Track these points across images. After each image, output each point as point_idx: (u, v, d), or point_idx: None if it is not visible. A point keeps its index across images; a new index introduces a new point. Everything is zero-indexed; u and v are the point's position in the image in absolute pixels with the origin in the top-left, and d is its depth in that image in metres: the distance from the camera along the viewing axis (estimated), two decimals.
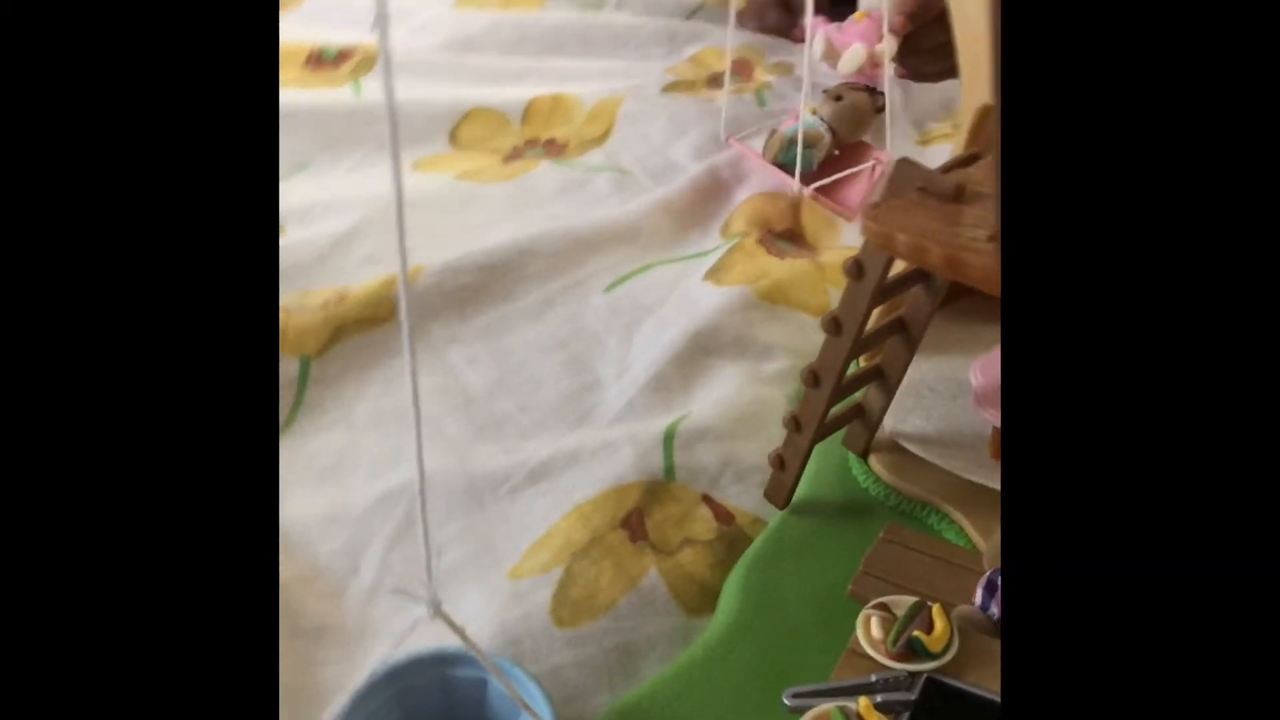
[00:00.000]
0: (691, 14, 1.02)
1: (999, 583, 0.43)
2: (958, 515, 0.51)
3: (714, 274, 0.70)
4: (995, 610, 0.42)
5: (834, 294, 0.67)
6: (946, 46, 0.74)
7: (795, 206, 0.72)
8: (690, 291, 0.68)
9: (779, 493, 0.52)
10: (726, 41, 0.80)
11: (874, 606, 0.41)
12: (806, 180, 0.70)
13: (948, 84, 0.81)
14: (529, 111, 0.88)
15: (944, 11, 0.72)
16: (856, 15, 0.68)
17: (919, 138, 0.84)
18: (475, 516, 0.54)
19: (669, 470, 0.55)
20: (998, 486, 0.51)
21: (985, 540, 0.50)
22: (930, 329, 0.48)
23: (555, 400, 0.61)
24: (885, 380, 0.50)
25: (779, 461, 0.51)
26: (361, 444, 0.59)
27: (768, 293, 0.67)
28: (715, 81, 0.93)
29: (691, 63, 0.95)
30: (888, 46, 0.67)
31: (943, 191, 0.38)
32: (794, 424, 0.49)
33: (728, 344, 0.64)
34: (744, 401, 0.60)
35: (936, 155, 0.82)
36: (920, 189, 0.39)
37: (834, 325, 0.44)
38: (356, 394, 0.62)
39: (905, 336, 0.48)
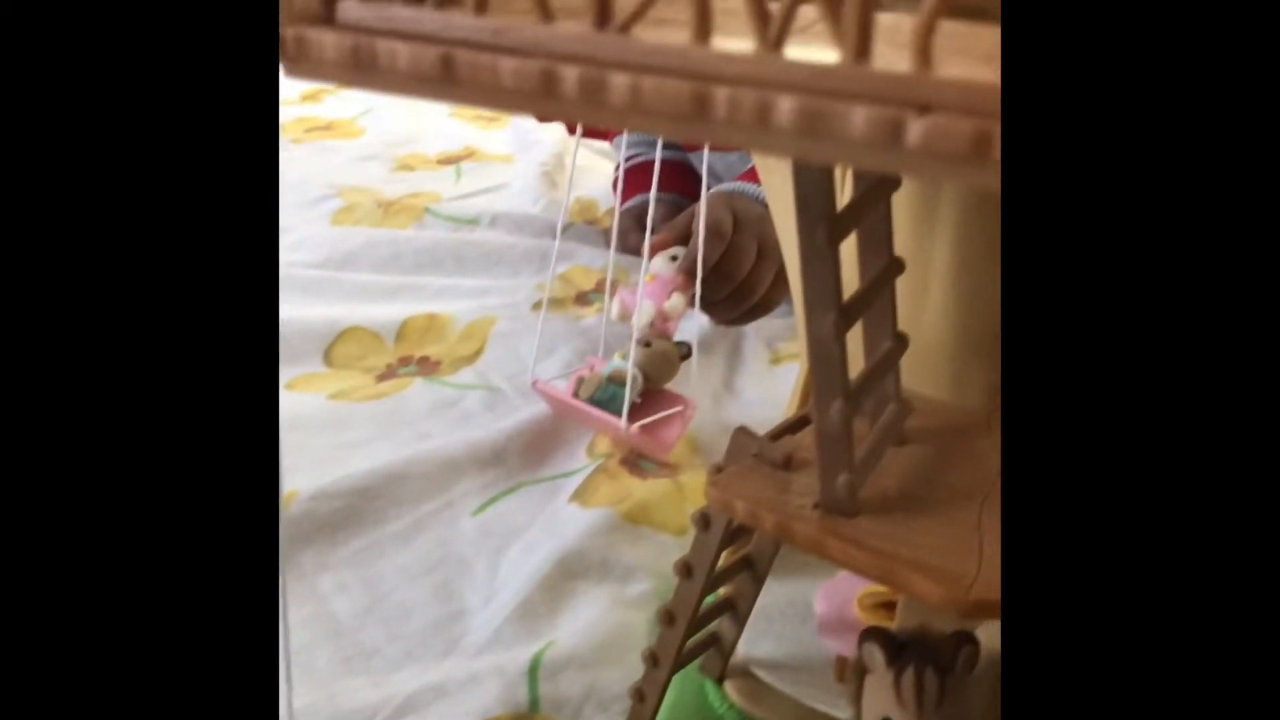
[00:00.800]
0: (562, 232, 1.09)
1: None
2: None
3: (579, 495, 0.73)
4: None
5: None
6: (740, 292, 0.81)
7: None
8: (558, 513, 0.71)
9: None
10: (551, 274, 0.85)
11: None
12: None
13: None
14: (403, 330, 0.92)
15: (722, 265, 0.79)
16: (647, 276, 0.74)
17: (770, 357, 0.91)
18: None
19: (533, 703, 0.57)
20: (843, 715, 0.54)
21: None
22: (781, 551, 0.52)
23: (423, 629, 0.62)
24: (736, 611, 0.54)
25: (639, 695, 0.53)
26: None
27: (630, 514, 0.71)
28: (583, 299, 0.98)
29: (561, 281, 1.00)
30: (676, 304, 0.73)
31: (774, 460, 0.42)
32: (652, 659, 0.52)
33: (593, 567, 0.67)
34: (607, 626, 0.62)
35: (786, 374, 0.88)
36: (755, 455, 0.43)
37: (685, 569, 0.48)
38: None
39: (753, 572, 0.52)
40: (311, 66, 0.29)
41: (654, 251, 0.74)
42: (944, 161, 0.23)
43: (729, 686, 0.57)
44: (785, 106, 0.24)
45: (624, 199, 1.04)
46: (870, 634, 0.44)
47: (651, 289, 0.73)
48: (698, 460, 0.77)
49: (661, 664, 0.52)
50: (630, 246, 0.99)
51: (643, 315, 0.71)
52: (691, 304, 0.72)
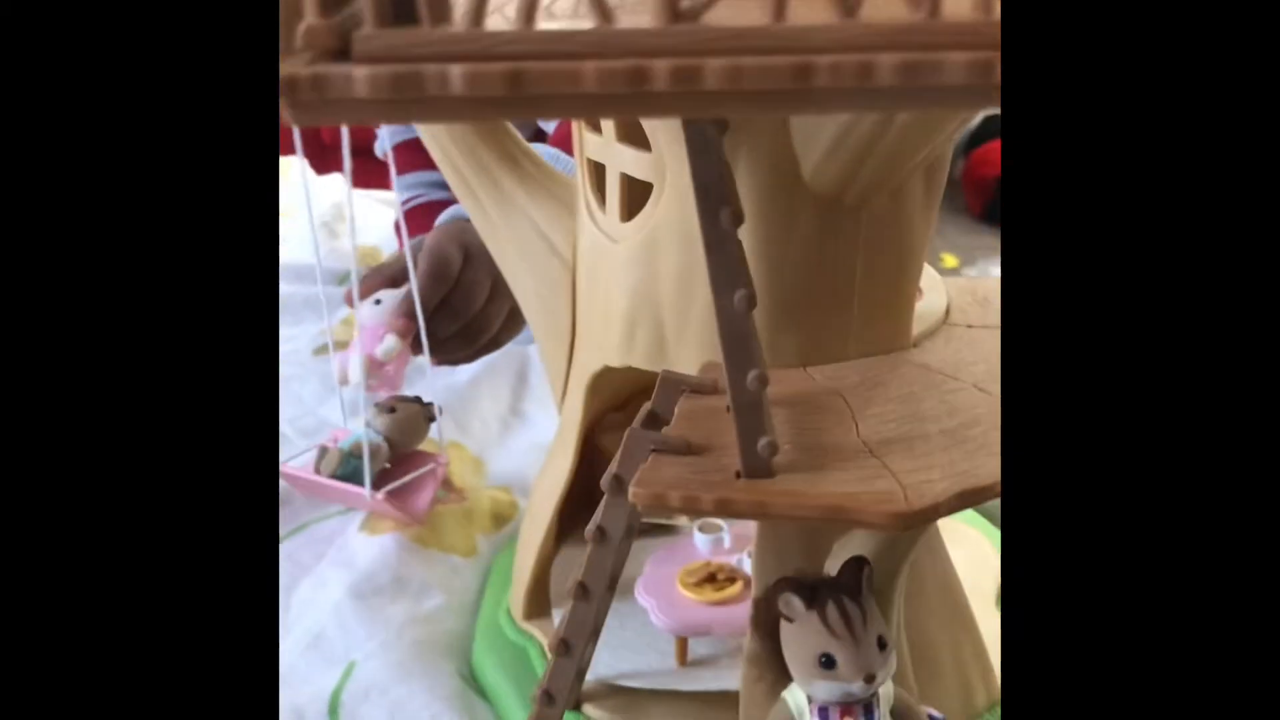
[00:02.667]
0: (341, 281, 1.04)
1: None
2: None
3: (367, 525, 0.72)
4: None
5: (480, 539, 0.72)
6: (470, 329, 0.80)
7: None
8: (347, 544, 0.70)
9: None
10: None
11: None
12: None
13: None
14: None
15: (451, 301, 0.78)
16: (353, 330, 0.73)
17: None
18: None
19: None
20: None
21: None
22: None
23: None
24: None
25: (546, 696, 0.52)
26: None
27: (420, 537, 0.70)
28: None
29: (344, 324, 0.98)
30: (389, 346, 0.71)
31: (676, 448, 0.44)
32: (546, 698, 0.51)
33: (384, 588, 0.66)
34: (405, 645, 0.62)
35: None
36: (654, 451, 0.44)
37: (582, 591, 0.48)
38: None
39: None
40: (336, 108, 0.26)
41: (363, 296, 0.71)
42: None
43: (589, 710, 0.57)
44: (886, 64, 0.26)
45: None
46: (781, 586, 0.47)
47: (362, 338, 0.70)
48: (483, 483, 0.79)
49: (558, 700, 0.51)
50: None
51: (354, 370, 0.68)
52: (415, 347, 0.70)
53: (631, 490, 0.42)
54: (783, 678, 0.49)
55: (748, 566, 0.61)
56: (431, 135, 0.60)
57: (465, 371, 0.90)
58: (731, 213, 0.38)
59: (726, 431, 0.45)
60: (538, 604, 0.65)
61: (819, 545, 0.51)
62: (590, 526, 0.47)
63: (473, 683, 0.63)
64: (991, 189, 1.78)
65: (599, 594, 0.50)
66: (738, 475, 0.42)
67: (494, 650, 0.64)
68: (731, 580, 0.60)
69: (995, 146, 1.88)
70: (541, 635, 0.63)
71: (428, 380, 0.78)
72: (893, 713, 0.48)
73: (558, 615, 0.63)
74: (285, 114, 0.26)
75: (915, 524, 0.41)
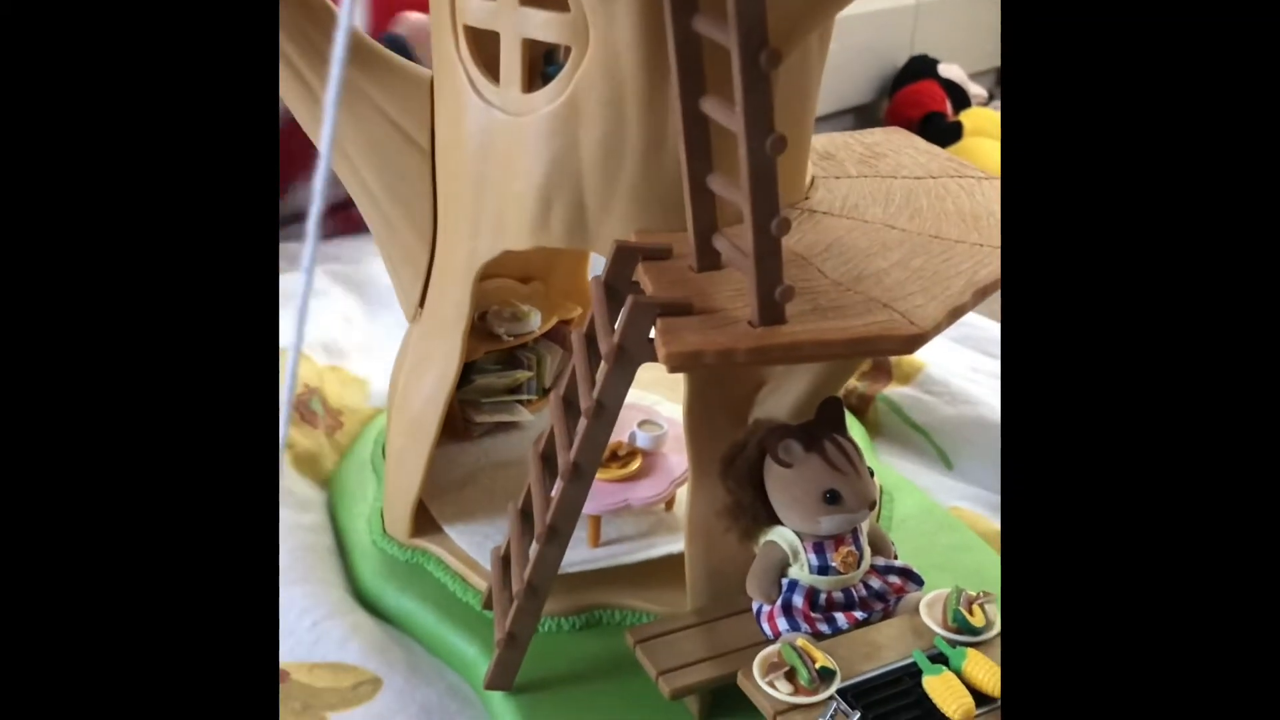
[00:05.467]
0: None
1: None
2: None
3: None
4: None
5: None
6: None
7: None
8: None
9: (505, 675, 0.51)
10: None
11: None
12: None
13: None
14: None
15: None
16: None
17: None
18: None
19: None
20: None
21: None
22: None
23: None
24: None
25: (510, 639, 0.50)
26: None
27: (296, 460, 0.68)
28: None
29: None
30: None
31: (681, 309, 0.43)
32: (510, 640, 0.49)
33: None
34: (284, 553, 0.60)
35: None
36: (660, 313, 0.43)
37: (552, 533, 0.47)
38: None
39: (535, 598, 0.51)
40: None
41: None
42: None
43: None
44: None
45: None
46: (778, 433, 0.48)
47: None
48: (365, 402, 0.77)
49: (540, 589, 0.49)
50: None
51: None
52: None
53: (664, 354, 0.41)
54: (754, 524, 0.50)
55: (640, 440, 0.62)
56: None
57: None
58: (770, 54, 0.38)
59: (709, 290, 0.45)
60: (425, 519, 0.61)
61: (742, 407, 0.53)
62: (566, 461, 0.45)
63: (358, 597, 0.60)
64: (914, 129, 1.82)
65: (566, 533, 0.48)
66: (751, 324, 0.43)
67: (383, 570, 0.60)
68: (633, 455, 0.60)
69: (920, 88, 1.92)
70: (442, 551, 0.60)
71: None
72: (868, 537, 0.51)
73: (457, 535, 0.61)
74: None
75: (923, 344, 0.43)
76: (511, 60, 0.49)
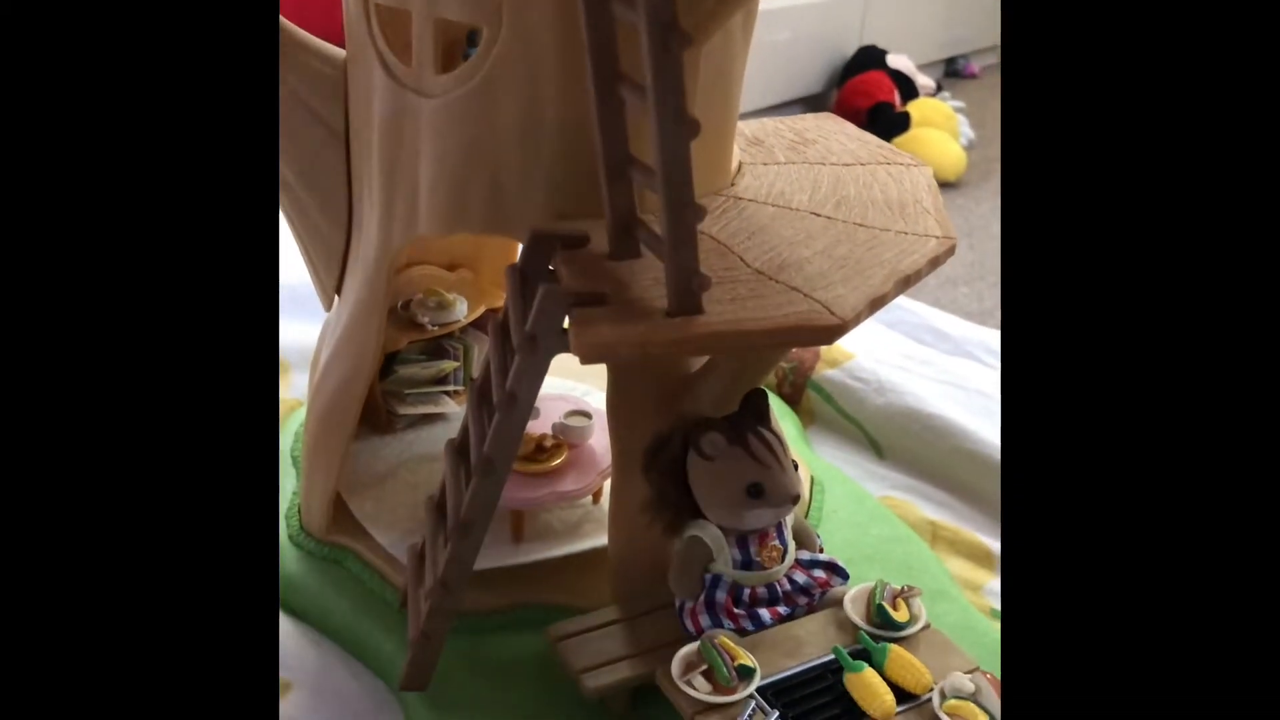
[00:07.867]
0: None
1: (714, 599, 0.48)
2: None
3: None
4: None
5: None
6: None
7: None
8: None
9: (420, 676, 0.50)
10: None
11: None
12: None
13: None
14: None
15: None
16: None
17: None
18: None
19: None
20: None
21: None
22: None
23: None
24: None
25: (424, 639, 0.48)
26: None
27: None
28: None
29: None
30: None
31: (595, 299, 0.42)
32: (424, 639, 0.47)
33: None
34: None
35: None
36: (573, 304, 0.41)
37: (464, 530, 0.45)
38: None
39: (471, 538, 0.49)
40: None
41: None
42: None
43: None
44: None
45: None
46: (703, 427, 0.47)
47: None
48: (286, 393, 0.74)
49: (453, 587, 0.48)
50: None
51: None
52: None
53: (576, 346, 0.40)
54: (678, 518, 0.49)
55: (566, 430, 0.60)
56: None
57: None
58: (680, 35, 0.36)
59: (628, 279, 0.44)
60: (344, 515, 0.59)
61: (666, 398, 0.52)
62: (479, 454, 0.44)
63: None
64: (862, 119, 1.82)
65: (481, 528, 0.47)
66: (668, 315, 0.41)
67: (299, 568, 0.58)
68: (559, 447, 0.59)
69: (867, 78, 1.93)
70: (361, 547, 0.58)
71: None
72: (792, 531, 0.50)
73: (377, 531, 0.59)
74: None
75: (843, 334, 0.42)
76: (424, 41, 0.48)
